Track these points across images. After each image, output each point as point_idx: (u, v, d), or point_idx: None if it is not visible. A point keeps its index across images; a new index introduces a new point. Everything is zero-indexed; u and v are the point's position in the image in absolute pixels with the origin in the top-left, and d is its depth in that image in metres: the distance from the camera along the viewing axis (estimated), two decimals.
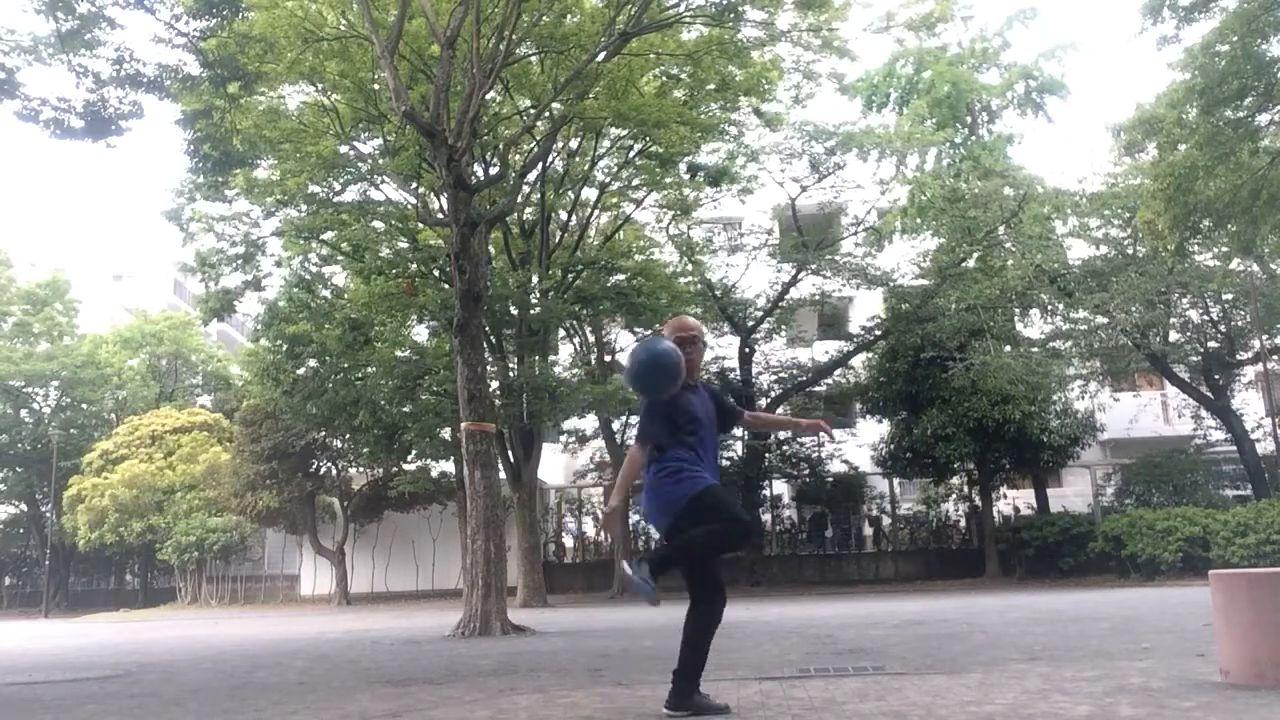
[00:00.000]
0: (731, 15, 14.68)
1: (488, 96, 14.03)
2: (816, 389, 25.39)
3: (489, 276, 16.63)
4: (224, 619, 20.85)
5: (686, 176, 21.30)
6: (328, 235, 20.15)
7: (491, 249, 18.89)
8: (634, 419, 24.23)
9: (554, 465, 27.35)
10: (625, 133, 18.85)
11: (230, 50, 11.82)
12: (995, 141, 27.92)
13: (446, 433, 21.38)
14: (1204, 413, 22.05)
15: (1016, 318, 22.31)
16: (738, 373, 24.07)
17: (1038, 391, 19.71)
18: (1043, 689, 4.42)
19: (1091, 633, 7.51)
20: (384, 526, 27.07)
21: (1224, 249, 18.85)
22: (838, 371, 24.89)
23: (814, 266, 23.02)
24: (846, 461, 25.18)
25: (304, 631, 13.31)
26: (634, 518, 24.96)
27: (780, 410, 25.27)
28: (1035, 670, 5.16)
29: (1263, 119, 13.82)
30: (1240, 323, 20.73)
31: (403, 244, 19.77)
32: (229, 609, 26.51)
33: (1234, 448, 20.85)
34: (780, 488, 26.42)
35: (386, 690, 5.64)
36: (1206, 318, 21.15)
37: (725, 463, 24.51)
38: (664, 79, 18.21)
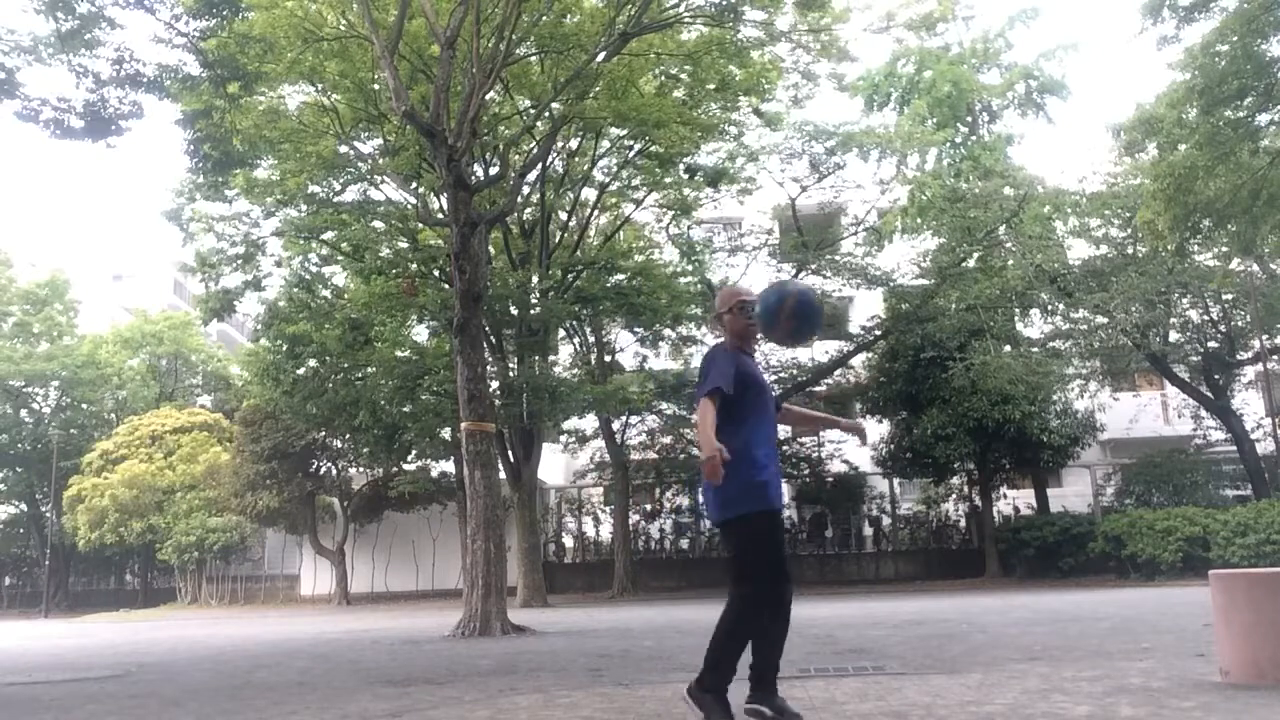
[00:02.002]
0: (731, 15, 14.69)
1: (488, 96, 14.03)
2: (816, 389, 25.38)
3: (489, 276, 16.64)
4: (224, 619, 20.84)
5: (685, 177, 21.30)
6: (328, 235, 20.15)
7: (491, 249, 18.89)
8: (634, 419, 24.25)
9: (554, 465, 27.34)
10: (625, 133, 18.83)
11: (230, 50, 11.82)
12: (995, 141, 27.93)
13: (446, 433, 21.36)
14: (1204, 413, 22.04)
15: (1016, 318, 22.29)
16: None
17: (1038, 391, 19.69)
18: (1043, 689, 4.42)
19: (1091, 633, 7.51)
20: (384, 526, 27.05)
21: (1224, 249, 18.84)
22: (838, 371, 24.88)
23: (814, 266, 23.01)
24: (846, 461, 25.17)
25: (304, 631, 13.31)
26: (634, 518, 24.97)
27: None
28: (1035, 670, 5.16)
29: (1263, 119, 13.80)
30: (1240, 323, 20.71)
31: (403, 244, 19.77)
32: (229, 609, 26.51)
33: (1234, 448, 20.83)
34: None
35: (386, 690, 5.64)
36: (1206, 318, 21.13)
37: None
38: (664, 79, 18.20)
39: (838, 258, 23.12)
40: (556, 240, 21.15)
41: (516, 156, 17.96)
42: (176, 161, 55.96)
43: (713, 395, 3.75)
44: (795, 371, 24.82)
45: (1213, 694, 4.12)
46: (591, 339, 24.07)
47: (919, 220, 23.30)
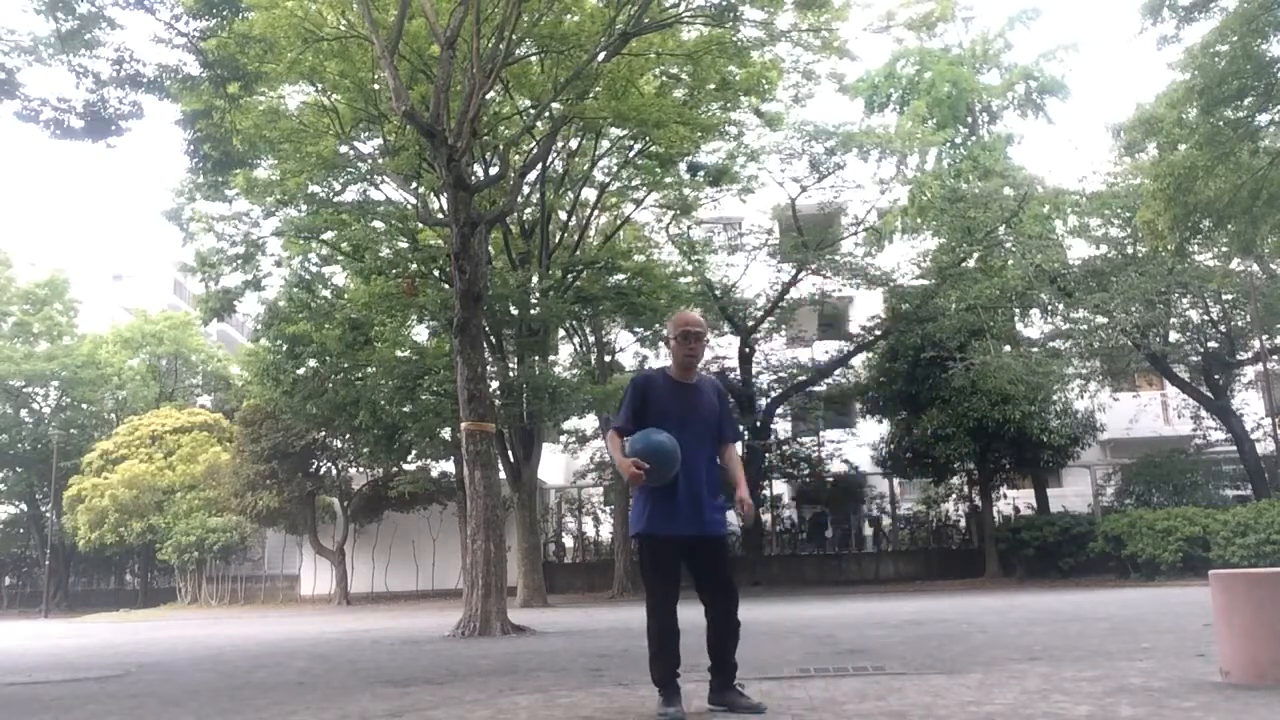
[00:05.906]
0: (731, 15, 14.68)
1: (488, 96, 14.03)
2: (816, 389, 25.39)
3: (489, 276, 16.63)
4: (224, 619, 20.84)
5: (686, 176, 21.28)
6: (328, 235, 20.15)
7: (491, 249, 18.88)
8: None
9: (554, 465, 27.32)
10: (625, 133, 18.82)
11: (230, 50, 11.82)
12: (995, 142, 27.94)
13: (446, 433, 21.35)
14: (1204, 413, 22.04)
15: (1016, 318, 22.29)
16: (738, 373, 24.06)
17: (1038, 391, 19.69)
18: (1043, 689, 4.43)
19: (1091, 633, 7.51)
20: (384, 526, 27.05)
21: (1224, 249, 18.84)
22: (838, 371, 24.89)
23: (814, 266, 23.01)
24: (846, 461, 25.17)
25: (304, 631, 13.31)
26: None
27: (780, 409, 25.29)
28: (1035, 670, 5.16)
29: (1263, 119, 13.81)
30: (1240, 323, 20.72)
31: (403, 244, 19.77)
32: (229, 609, 26.51)
33: (1234, 448, 20.84)
34: (780, 488, 26.40)
35: (386, 690, 5.64)
36: (1206, 318, 21.14)
37: None
38: (664, 79, 18.19)
39: (838, 258, 23.12)
40: (556, 240, 21.15)
41: (516, 156, 17.94)
42: (176, 161, 56.00)
43: (615, 431, 4.25)
44: (795, 371, 24.83)
45: (1213, 694, 4.12)
46: (591, 339, 24.07)
47: (919, 220, 23.31)
